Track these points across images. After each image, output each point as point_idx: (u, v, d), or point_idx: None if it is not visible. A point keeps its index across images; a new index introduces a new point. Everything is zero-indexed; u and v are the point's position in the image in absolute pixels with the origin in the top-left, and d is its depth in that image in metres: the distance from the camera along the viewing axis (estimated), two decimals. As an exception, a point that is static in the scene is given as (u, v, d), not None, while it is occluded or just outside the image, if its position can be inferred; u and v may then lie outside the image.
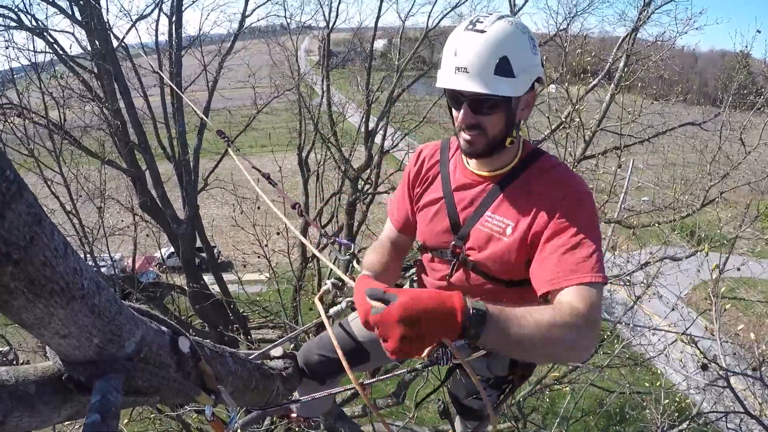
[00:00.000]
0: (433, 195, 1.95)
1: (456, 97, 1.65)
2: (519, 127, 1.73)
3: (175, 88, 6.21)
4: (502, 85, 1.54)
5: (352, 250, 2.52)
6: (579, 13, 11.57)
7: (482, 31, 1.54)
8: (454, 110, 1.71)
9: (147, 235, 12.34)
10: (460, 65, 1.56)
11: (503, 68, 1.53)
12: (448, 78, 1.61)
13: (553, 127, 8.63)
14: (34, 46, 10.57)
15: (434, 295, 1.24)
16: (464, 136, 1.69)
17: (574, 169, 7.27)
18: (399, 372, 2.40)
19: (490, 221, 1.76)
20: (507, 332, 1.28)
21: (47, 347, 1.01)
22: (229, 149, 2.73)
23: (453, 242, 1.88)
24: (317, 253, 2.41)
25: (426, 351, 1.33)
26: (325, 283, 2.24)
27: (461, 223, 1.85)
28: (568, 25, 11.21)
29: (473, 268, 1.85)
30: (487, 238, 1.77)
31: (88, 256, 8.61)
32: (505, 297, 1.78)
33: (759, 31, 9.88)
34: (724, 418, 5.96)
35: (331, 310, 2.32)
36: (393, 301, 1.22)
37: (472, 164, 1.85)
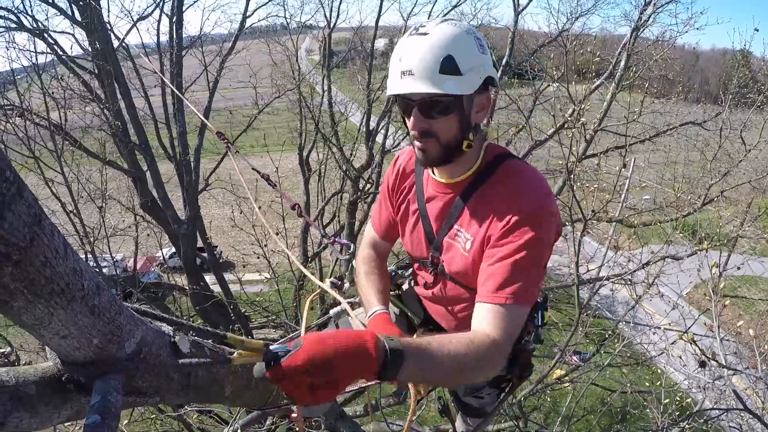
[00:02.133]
0: (411, 206, 1.95)
1: (406, 104, 1.62)
2: (477, 131, 1.68)
3: (175, 90, 6.21)
4: (449, 84, 1.51)
5: (351, 250, 2.52)
6: (583, 13, 11.59)
7: (425, 34, 1.53)
8: (406, 119, 1.67)
9: (148, 235, 12.35)
10: (405, 69, 1.54)
11: (449, 67, 1.50)
12: (394, 84, 1.58)
13: (556, 126, 8.63)
14: (35, 48, 10.60)
15: (343, 335, 1.14)
16: (417, 144, 1.66)
17: (577, 168, 7.26)
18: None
19: (459, 235, 1.75)
20: (423, 369, 1.26)
21: (47, 348, 1.01)
22: (229, 152, 2.71)
23: (431, 253, 1.89)
24: (317, 281, 2.41)
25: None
26: (324, 283, 2.24)
27: (435, 234, 1.86)
28: (571, 25, 11.22)
29: (451, 278, 1.87)
30: (454, 251, 1.78)
31: (89, 256, 8.62)
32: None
33: (757, 30, 9.88)
34: (725, 416, 5.96)
35: (332, 311, 2.33)
36: (296, 347, 1.08)
37: (437, 173, 1.82)
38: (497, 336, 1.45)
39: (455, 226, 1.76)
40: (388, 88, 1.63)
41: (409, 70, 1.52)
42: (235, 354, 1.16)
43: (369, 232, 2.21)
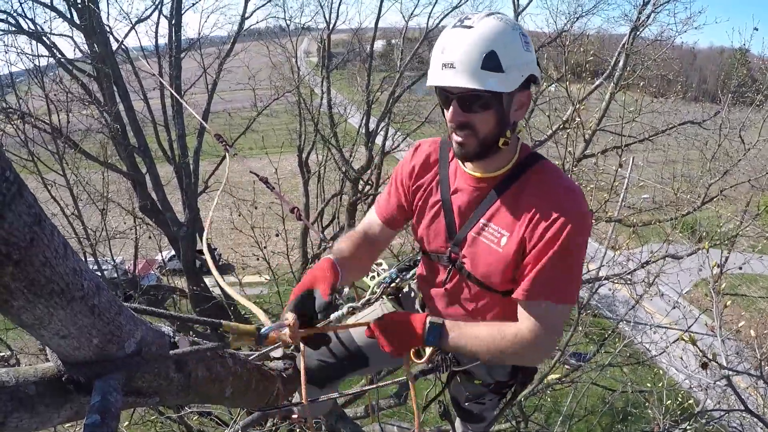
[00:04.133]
0: (433, 197, 1.89)
1: (446, 96, 1.60)
2: (514, 128, 1.67)
3: (174, 93, 6.20)
4: (490, 80, 1.49)
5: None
6: (584, 13, 11.60)
7: (470, 27, 1.51)
8: (444, 110, 1.65)
9: (150, 237, 12.34)
10: (446, 61, 1.52)
11: (491, 63, 1.49)
12: (435, 75, 1.57)
13: (555, 127, 8.63)
14: (37, 51, 10.58)
15: (405, 315, 1.73)
16: (455, 137, 1.64)
17: (575, 168, 7.26)
18: (398, 380, 2.40)
19: (486, 230, 1.73)
20: (460, 346, 1.67)
21: (47, 348, 1.01)
22: (227, 156, 2.70)
23: (449, 248, 1.84)
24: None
25: (426, 357, 1.91)
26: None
27: (457, 228, 1.81)
28: (571, 26, 11.22)
29: (468, 276, 1.82)
30: (481, 246, 1.74)
31: (91, 258, 8.61)
32: (499, 307, 1.81)
33: (756, 29, 9.90)
34: (726, 417, 5.95)
35: (332, 316, 2.32)
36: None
37: (469, 167, 1.78)
38: (529, 334, 1.62)
39: (482, 221, 1.73)
40: (428, 79, 1.62)
41: (450, 63, 1.52)
42: (231, 338, 1.29)
43: (368, 215, 2.16)
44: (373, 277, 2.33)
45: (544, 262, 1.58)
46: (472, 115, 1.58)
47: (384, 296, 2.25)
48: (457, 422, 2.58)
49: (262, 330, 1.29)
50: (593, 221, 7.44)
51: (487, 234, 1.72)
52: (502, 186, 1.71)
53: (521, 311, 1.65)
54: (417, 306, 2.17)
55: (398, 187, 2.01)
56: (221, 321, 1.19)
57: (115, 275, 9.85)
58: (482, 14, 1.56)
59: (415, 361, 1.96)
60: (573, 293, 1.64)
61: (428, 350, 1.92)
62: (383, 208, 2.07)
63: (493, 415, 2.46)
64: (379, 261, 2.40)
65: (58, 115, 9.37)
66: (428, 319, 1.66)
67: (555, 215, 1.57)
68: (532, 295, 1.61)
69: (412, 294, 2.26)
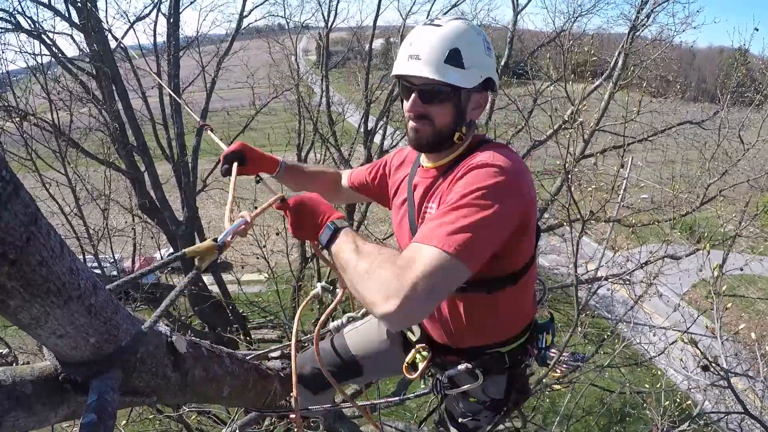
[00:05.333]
0: (402, 196, 1.98)
1: (407, 87, 1.68)
2: (470, 126, 1.75)
3: (172, 93, 6.18)
4: (451, 74, 1.59)
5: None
6: (583, 13, 11.59)
7: (438, 26, 1.63)
8: (404, 101, 1.71)
9: (151, 237, 12.34)
10: (413, 53, 1.62)
11: (454, 59, 1.59)
12: (401, 65, 1.66)
13: (555, 127, 8.64)
14: (39, 49, 10.58)
15: (318, 203, 1.65)
16: (411, 124, 1.71)
17: (575, 168, 7.26)
18: (393, 399, 2.38)
19: (428, 212, 1.76)
20: (343, 252, 1.47)
21: (44, 347, 1.01)
22: (210, 133, 2.74)
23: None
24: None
25: (419, 372, 1.90)
26: (315, 287, 2.22)
27: (417, 222, 1.82)
28: (570, 26, 11.22)
29: None
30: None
31: (90, 256, 8.61)
32: (474, 304, 1.75)
33: (757, 29, 9.91)
34: (725, 419, 5.96)
35: (331, 325, 2.33)
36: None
37: (424, 159, 1.87)
38: (400, 270, 1.30)
39: (425, 204, 1.78)
40: (393, 69, 1.71)
41: (416, 55, 1.62)
42: (197, 262, 1.31)
43: (342, 173, 2.46)
44: None
45: (440, 212, 1.42)
46: (430, 106, 1.67)
47: None
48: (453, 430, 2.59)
49: (219, 239, 1.34)
50: (593, 221, 7.50)
51: (426, 216, 1.75)
52: (446, 170, 1.74)
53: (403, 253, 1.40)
54: None
55: (376, 172, 2.23)
56: (184, 250, 1.24)
57: (115, 273, 9.85)
58: (451, 16, 1.69)
59: (408, 376, 1.97)
60: (468, 248, 1.33)
61: (420, 365, 1.93)
62: (355, 175, 2.35)
63: (488, 428, 2.46)
64: None
65: (57, 113, 9.36)
66: (333, 217, 1.58)
67: (469, 180, 1.47)
68: (415, 238, 1.40)
69: None
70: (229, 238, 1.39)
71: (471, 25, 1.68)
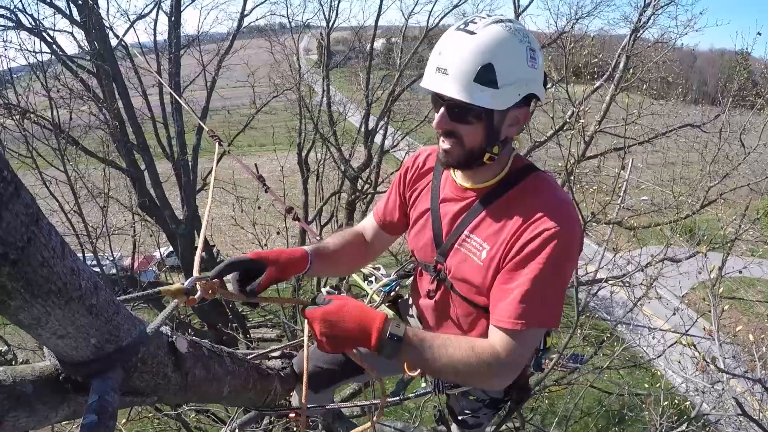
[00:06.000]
0: (423, 205, 1.84)
1: (437, 100, 1.53)
2: (505, 144, 1.58)
3: (172, 92, 6.18)
4: (481, 95, 1.41)
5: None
6: (584, 15, 11.59)
7: (472, 33, 1.41)
8: (435, 113, 1.56)
9: (151, 235, 12.35)
10: (441, 65, 1.44)
11: (486, 77, 1.39)
12: (428, 77, 1.50)
13: (556, 128, 8.64)
14: (40, 48, 10.58)
15: (358, 314, 1.40)
16: (442, 144, 1.58)
17: (576, 170, 7.26)
18: (393, 399, 2.37)
19: (468, 242, 1.64)
20: (421, 359, 1.43)
21: (45, 347, 1.01)
22: (216, 149, 2.69)
23: (435, 258, 1.78)
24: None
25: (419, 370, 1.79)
26: (320, 293, 2.21)
27: (443, 238, 1.74)
28: (572, 27, 11.22)
29: (451, 287, 1.75)
30: (463, 258, 1.66)
31: (89, 254, 8.60)
32: (482, 323, 1.73)
33: (759, 33, 9.93)
34: (723, 421, 5.96)
35: None
36: (324, 304, 1.42)
37: (458, 176, 1.71)
38: (504, 355, 1.45)
39: (465, 232, 1.65)
40: (423, 78, 1.54)
41: (444, 68, 1.43)
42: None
43: (367, 218, 2.13)
44: (370, 281, 2.31)
45: (522, 280, 1.45)
46: (459, 125, 1.51)
47: (383, 304, 2.24)
48: (453, 426, 2.58)
49: (185, 284, 1.34)
50: (594, 223, 7.50)
51: (469, 246, 1.64)
52: (489, 198, 1.63)
53: (489, 334, 1.51)
54: (414, 314, 2.14)
55: (397, 192, 1.98)
56: (158, 289, 1.29)
57: (114, 271, 9.86)
58: (490, 20, 1.45)
59: (409, 374, 1.95)
60: (543, 317, 1.46)
61: None
62: (381, 211, 2.05)
63: (489, 424, 2.45)
64: (377, 265, 2.38)
65: (57, 111, 9.36)
66: (388, 326, 1.39)
67: (538, 230, 1.45)
68: (500, 322, 1.47)
69: (410, 301, 2.23)
70: (198, 285, 1.40)
71: (514, 30, 1.44)
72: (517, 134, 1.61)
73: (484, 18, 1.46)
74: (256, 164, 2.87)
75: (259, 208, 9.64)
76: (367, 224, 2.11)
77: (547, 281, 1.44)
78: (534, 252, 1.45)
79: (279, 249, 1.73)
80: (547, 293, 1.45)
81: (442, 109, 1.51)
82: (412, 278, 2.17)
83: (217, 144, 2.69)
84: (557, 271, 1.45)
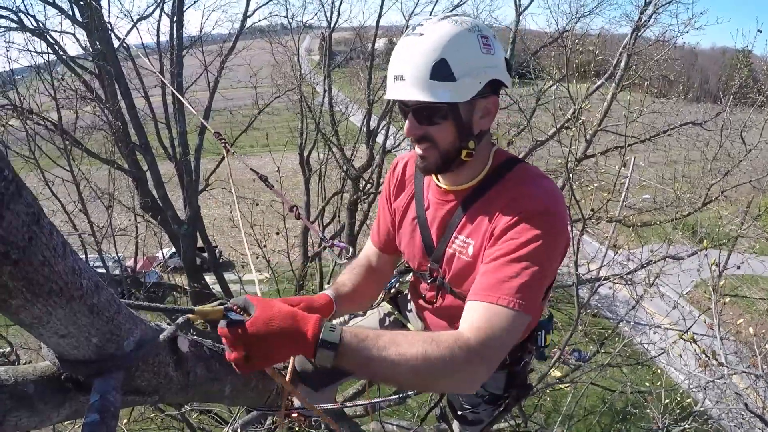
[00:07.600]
0: (410, 214, 1.83)
1: (402, 108, 1.53)
2: (480, 138, 1.55)
3: (175, 92, 6.19)
4: (441, 91, 1.40)
5: (350, 254, 2.49)
6: (585, 14, 11.58)
7: (421, 35, 1.43)
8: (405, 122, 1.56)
9: (155, 234, 12.36)
10: (397, 73, 1.45)
11: (441, 72, 1.39)
12: (389, 87, 1.50)
13: (557, 126, 8.64)
14: (44, 49, 10.61)
15: (289, 318, 1.20)
16: (417, 150, 1.57)
17: (577, 168, 7.26)
18: (393, 398, 2.36)
19: (456, 242, 1.63)
20: (361, 366, 1.24)
21: (45, 347, 1.01)
22: (226, 156, 2.67)
23: (429, 265, 1.77)
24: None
25: None
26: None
27: (434, 244, 1.73)
28: (573, 26, 11.21)
29: (451, 291, 1.75)
30: (456, 260, 1.65)
31: (93, 255, 8.61)
32: None
33: (760, 31, 9.89)
34: (725, 417, 5.95)
35: (334, 321, 2.32)
36: (251, 313, 1.19)
37: (440, 180, 1.70)
38: (473, 339, 1.30)
39: (454, 234, 1.64)
40: (386, 91, 1.55)
41: (401, 75, 1.44)
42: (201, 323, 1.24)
43: (367, 245, 2.10)
44: None
45: (494, 262, 1.42)
46: (429, 127, 1.51)
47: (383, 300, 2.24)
48: (455, 423, 2.58)
49: (230, 314, 1.18)
50: (595, 220, 7.50)
51: (457, 247, 1.63)
52: (473, 197, 1.61)
53: (463, 314, 1.42)
54: (413, 310, 2.13)
55: (387, 209, 1.97)
56: (193, 308, 1.17)
57: (117, 272, 9.87)
58: (436, 18, 1.47)
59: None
60: (526, 299, 1.36)
61: None
62: (377, 236, 2.03)
63: (490, 419, 2.45)
64: None
65: (60, 112, 9.37)
66: (323, 329, 1.21)
67: (513, 212, 1.44)
68: (473, 295, 1.41)
69: (409, 296, 2.22)
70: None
71: (461, 23, 1.45)
72: (490, 125, 1.59)
73: (431, 18, 1.47)
74: (253, 170, 2.86)
75: (257, 205, 9.64)
76: (369, 252, 2.08)
77: (521, 258, 1.39)
78: (508, 231, 1.43)
79: (306, 297, 1.71)
80: (521, 272, 1.38)
81: (409, 116, 1.52)
82: (411, 274, 2.15)
83: (224, 147, 2.68)
84: (534, 251, 1.39)
